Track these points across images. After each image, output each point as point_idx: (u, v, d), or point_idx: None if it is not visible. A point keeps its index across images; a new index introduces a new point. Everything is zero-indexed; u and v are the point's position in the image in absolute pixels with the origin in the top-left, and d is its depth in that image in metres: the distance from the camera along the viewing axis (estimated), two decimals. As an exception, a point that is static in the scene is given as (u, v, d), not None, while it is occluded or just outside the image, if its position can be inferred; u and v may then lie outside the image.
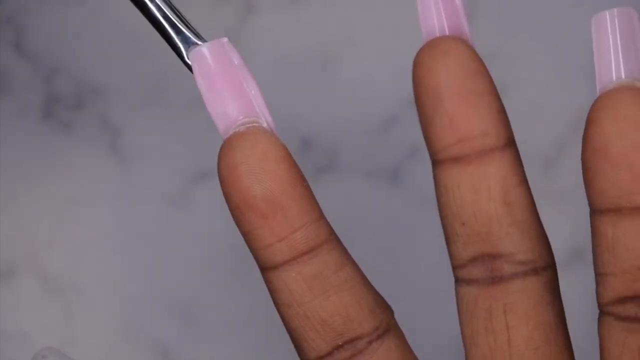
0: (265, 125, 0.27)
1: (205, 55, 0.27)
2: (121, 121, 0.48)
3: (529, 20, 0.48)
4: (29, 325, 0.47)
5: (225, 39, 0.27)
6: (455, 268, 0.27)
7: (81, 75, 0.49)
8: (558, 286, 0.27)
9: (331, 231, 0.27)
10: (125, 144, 0.48)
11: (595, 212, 0.25)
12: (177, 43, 0.28)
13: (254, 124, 0.27)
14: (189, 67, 0.28)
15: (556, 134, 0.48)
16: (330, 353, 0.27)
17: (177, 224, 0.48)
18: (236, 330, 0.47)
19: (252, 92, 0.27)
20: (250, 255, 0.48)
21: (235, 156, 0.26)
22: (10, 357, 0.47)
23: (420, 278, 0.47)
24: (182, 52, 0.28)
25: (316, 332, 0.27)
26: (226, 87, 0.27)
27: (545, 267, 0.27)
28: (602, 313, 0.26)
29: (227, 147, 0.26)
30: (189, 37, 0.28)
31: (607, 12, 0.25)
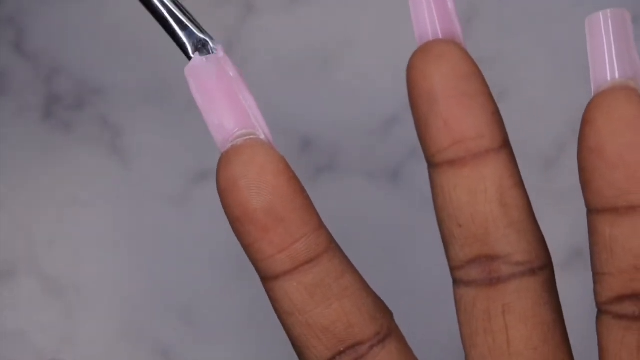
0: (262, 136, 0.27)
1: (200, 70, 0.27)
2: (121, 121, 0.48)
3: (528, 22, 0.48)
4: (29, 325, 0.47)
5: (221, 54, 0.28)
6: (453, 269, 0.27)
7: (81, 75, 0.49)
8: (555, 286, 0.27)
9: (331, 239, 0.27)
10: (125, 144, 0.48)
11: (592, 211, 0.25)
12: (181, 38, 0.28)
13: (251, 136, 0.27)
14: None
15: (556, 134, 0.48)
16: (332, 359, 0.27)
17: (177, 224, 0.48)
18: (236, 330, 0.47)
19: (248, 103, 0.27)
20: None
21: (233, 170, 0.26)
22: (10, 357, 0.47)
23: (420, 278, 0.47)
24: (187, 47, 0.28)
25: (318, 339, 0.27)
26: (222, 100, 0.27)
27: (542, 267, 0.27)
28: (600, 312, 0.26)
29: (225, 160, 0.26)
30: (194, 32, 0.28)
31: (600, 14, 0.25)
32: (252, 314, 0.47)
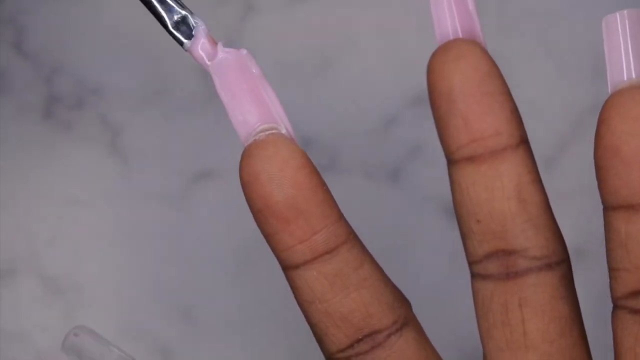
0: (284, 131, 0.28)
1: (224, 66, 0.28)
2: (121, 121, 0.48)
3: (528, 21, 0.49)
4: (29, 325, 0.47)
5: (245, 51, 0.28)
6: (471, 264, 0.27)
7: (81, 75, 0.49)
8: (573, 281, 0.27)
9: (350, 230, 0.28)
10: (125, 144, 0.48)
11: (608, 208, 0.25)
12: (160, 13, 0.29)
13: (274, 131, 0.28)
14: (175, 38, 0.29)
15: (556, 134, 0.48)
16: (350, 346, 0.28)
17: (177, 224, 0.48)
18: (236, 330, 0.47)
19: (271, 99, 0.28)
20: (251, 255, 0.47)
21: (256, 165, 0.27)
22: (10, 357, 0.47)
23: (420, 278, 0.47)
24: (166, 22, 0.28)
25: (337, 327, 0.28)
26: (246, 95, 0.28)
27: (559, 262, 0.27)
28: (616, 307, 0.26)
29: (247, 155, 0.27)
30: (173, 7, 0.29)
31: (617, 14, 0.26)
32: (252, 313, 0.47)
